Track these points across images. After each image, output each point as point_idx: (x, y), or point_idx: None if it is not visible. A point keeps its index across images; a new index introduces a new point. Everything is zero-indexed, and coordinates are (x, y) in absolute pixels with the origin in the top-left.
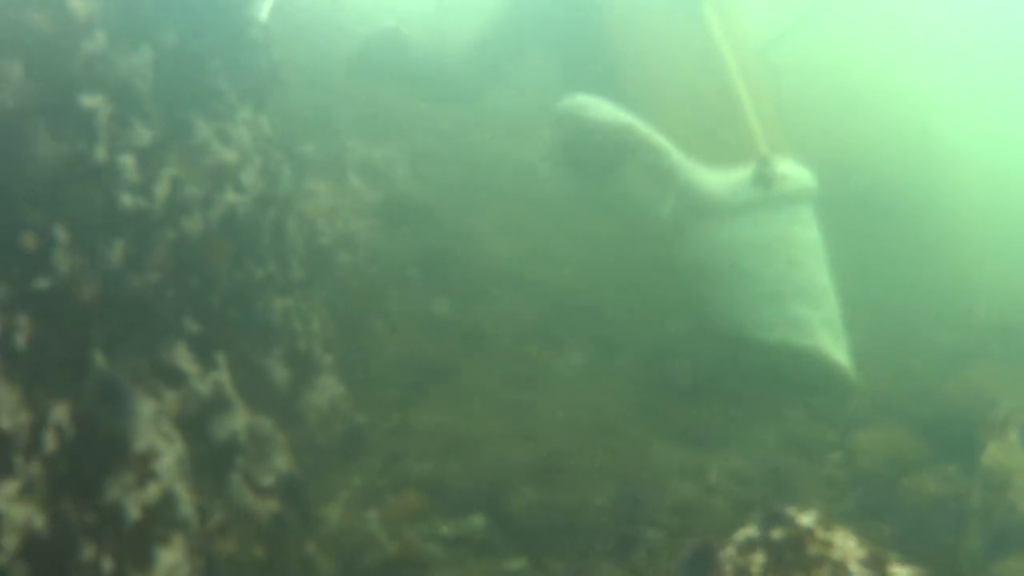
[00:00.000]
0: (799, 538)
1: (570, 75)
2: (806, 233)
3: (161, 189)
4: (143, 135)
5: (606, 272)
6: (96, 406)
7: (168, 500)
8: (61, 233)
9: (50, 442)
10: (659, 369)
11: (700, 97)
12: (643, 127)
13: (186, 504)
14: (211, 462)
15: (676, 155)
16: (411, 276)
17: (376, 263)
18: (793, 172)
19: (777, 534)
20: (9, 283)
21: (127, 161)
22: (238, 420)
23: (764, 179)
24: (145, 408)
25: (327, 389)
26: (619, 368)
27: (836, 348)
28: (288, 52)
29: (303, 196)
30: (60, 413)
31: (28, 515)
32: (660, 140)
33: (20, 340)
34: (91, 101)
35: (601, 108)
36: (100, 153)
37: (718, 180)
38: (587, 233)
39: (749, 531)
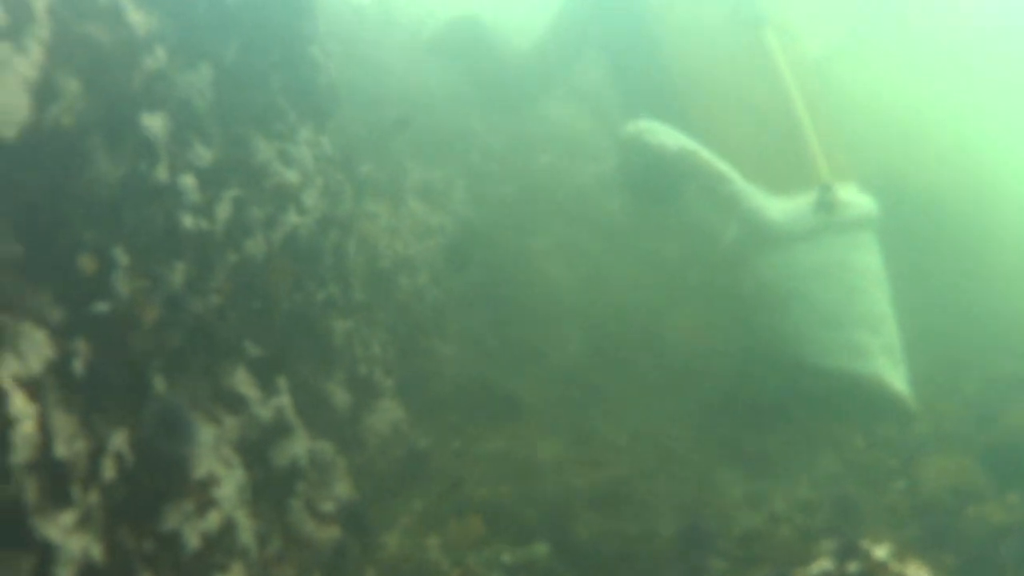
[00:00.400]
0: (874, 571)
1: (626, 85)
2: (867, 259)
3: (223, 210)
4: (203, 155)
5: (665, 296)
6: (156, 433)
7: (228, 528)
8: (121, 255)
9: (108, 470)
10: (720, 395)
11: (761, 121)
12: (706, 153)
13: (246, 532)
14: (271, 488)
15: (739, 182)
16: (470, 299)
17: (436, 286)
18: (855, 199)
19: (852, 567)
20: (66, 307)
21: (188, 181)
22: (299, 445)
23: (825, 206)
24: (205, 434)
25: (388, 413)
26: (680, 393)
27: (895, 375)
28: (341, 69)
29: (363, 217)
30: (119, 440)
31: (85, 545)
32: (723, 167)
33: (78, 366)
34: (151, 120)
35: (665, 133)
36: (161, 173)
37: (780, 207)
38: (646, 256)
39: (824, 564)
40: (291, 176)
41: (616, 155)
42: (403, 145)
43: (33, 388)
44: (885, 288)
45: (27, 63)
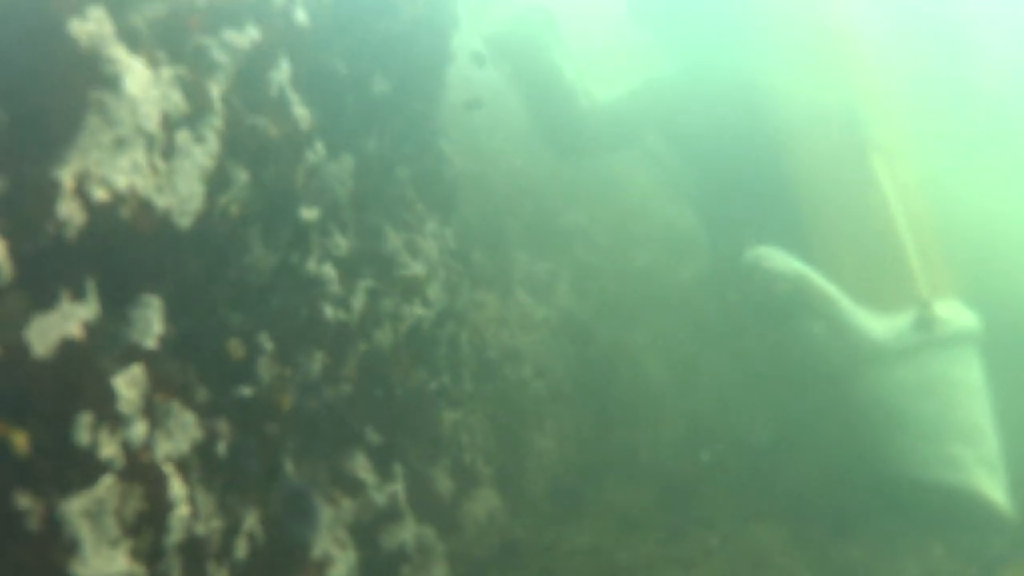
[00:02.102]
0: None
1: (714, 180)
2: (967, 374)
3: (358, 301)
4: (341, 244)
5: (757, 399)
6: (285, 514)
7: None
8: (266, 341)
9: (241, 549)
10: (807, 497)
11: (867, 239)
12: (817, 277)
13: None
14: (378, 571)
15: (846, 302)
16: (569, 391)
17: (539, 378)
18: (955, 315)
19: None
20: (211, 388)
21: (330, 272)
22: (407, 531)
23: (925, 324)
24: (324, 516)
25: (486, 501)
26: (768, 496)
27: (991, 484)
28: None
29: (473, 306)
30: (252, 520)
31: None
32: (832, 289)
33: (220, 448)
34: (309, 213)
35: (780, 259)
36: (311, 265)
37: (882, 326)
38: (741, 356)
39: None
40: (417, 269)
41: (740, 281)
42: (511, 235)
43: (182, 468)
44: (985, 401)
45: (204, 152)
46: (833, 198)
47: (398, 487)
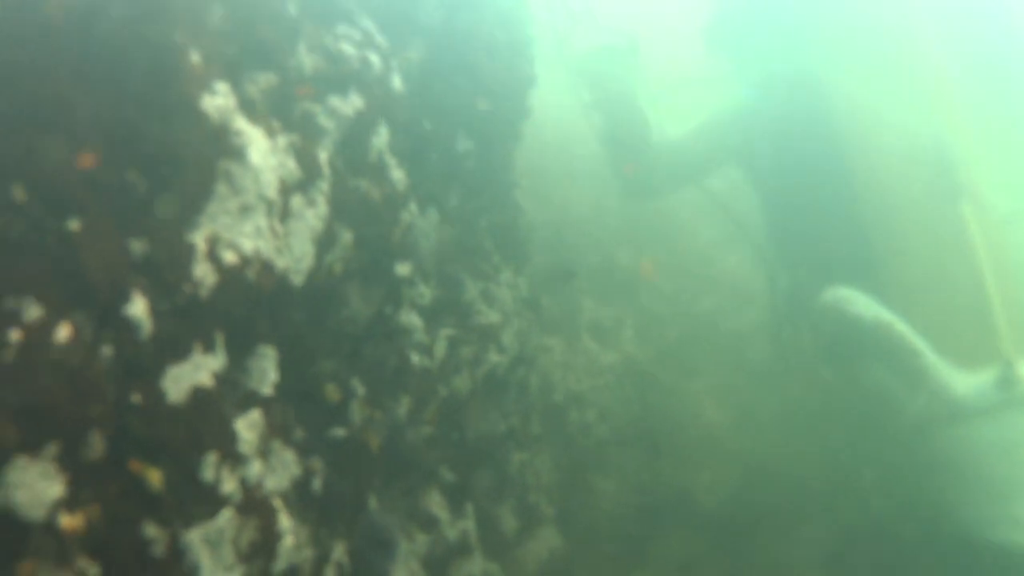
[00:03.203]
0: None
1: (789, 223)
2: None
3: (440, 348)
4: (425, 294)
5: (813, 448)
6: (368, 547)
7: None
8: (359, 386)
9: None
10: (858, 549)
11: (948, 289)
12: (900, 326)
13: None
14: None
15: (929, 356)
16: (631, 435)
17: (602, 422)
18: None
19: None
20: (307, 428)
21: (416, 322)
22: (476, 566)
23: (1007, 384)
24: (402, 549)
25: (548, 541)
26: (815, 544)
27: None
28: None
29: (541, 351)
30: (339, 552)
31: None
32: (915, 340)
33: (316, 484)
34: (403, 269)
35: (863, 304)
36: (403, 317)
37: (964, 382)
38: (799, 404)
39: None
40: (494, 317)
41: (814, 321)
42: (579, 282)
43: (285, 502)
44: None
45: (315, 215)
46: (919, 245)
47: (468, 524)
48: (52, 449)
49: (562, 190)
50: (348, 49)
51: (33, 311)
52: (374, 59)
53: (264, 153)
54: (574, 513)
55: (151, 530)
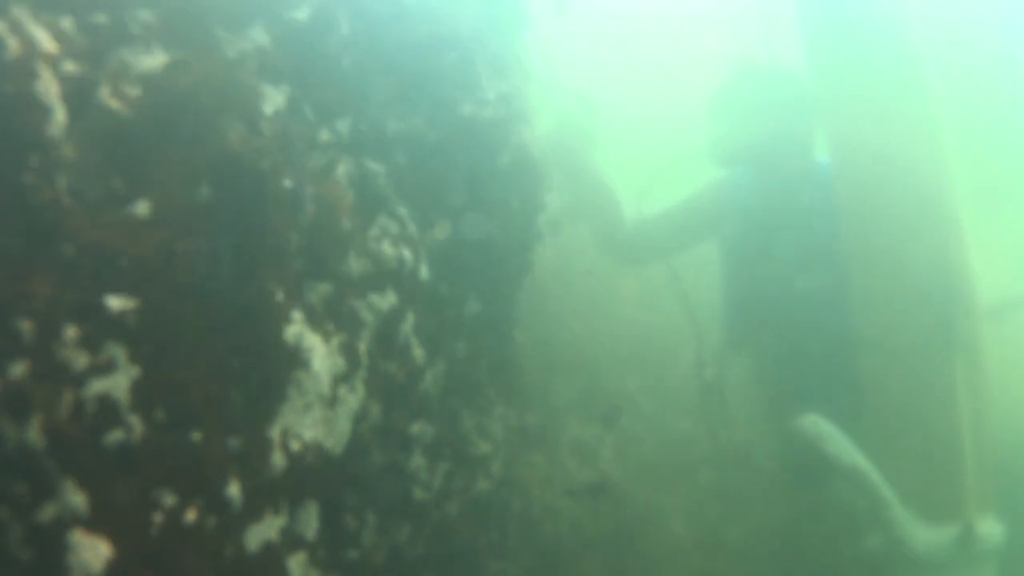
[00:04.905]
0: None
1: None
2: None
3: (436, 481)
4: (428, 432)
5: (780, 569)
6: None
7: None
8: (371, 518)
9: None
10: None
11: (925, 439)
12: (875, 476)
13: None
14: None
15: (896, 507)
16: (601, 547)
17: (574, 535)
18: (990, 531)
19: None
20: (327, 550)
21: (421, 463)
22: None
23: (966, 543)
24: None
25: None
26: None
27: None
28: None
29: (523, 466)
30: None
31: None
32: (886, 491)
33: None
34: (416, 428)
35: (839, 444)
36: (411, 462)
37: (926, 536)
38: (764, 529)
39: None
40: (485, 448)
41: (783, 447)
42: (564, 400)
43: None
44: None
45: (355, 399)
46: (903, 389)
47: None
48: None
49: (558, 307)
50: (387, 249)
51: (170, 500)
52: (407, 255)
53: (323, 358)
54: None
55: None
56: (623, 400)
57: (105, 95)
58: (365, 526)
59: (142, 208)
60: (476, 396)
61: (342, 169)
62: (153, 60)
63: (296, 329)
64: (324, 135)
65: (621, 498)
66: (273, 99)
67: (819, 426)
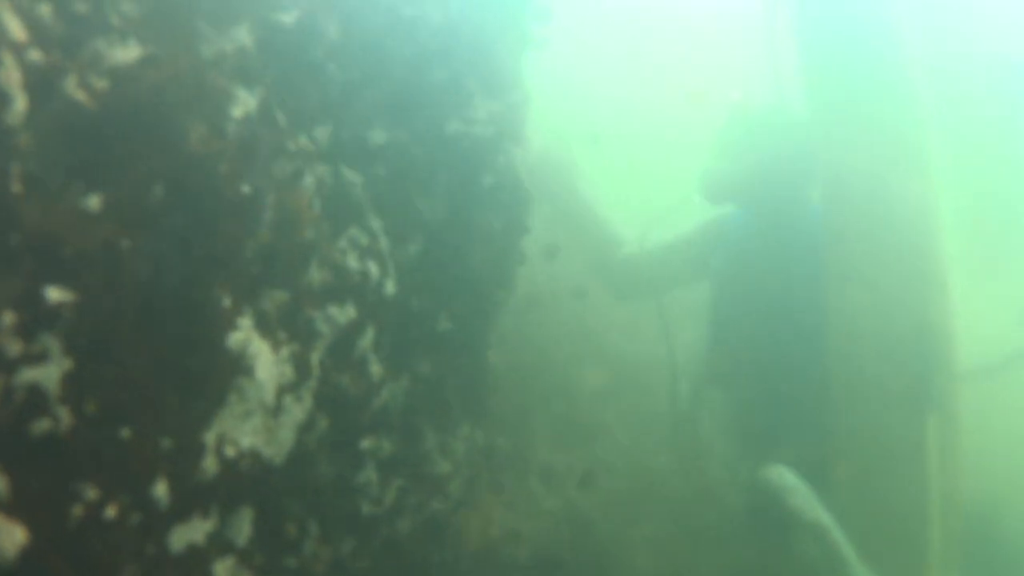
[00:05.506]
0: None
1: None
2: None
3: (389, 497)
4: (385, 447)
5: None
6: None
7: None
8: (314, 528)
9: None
10: None
11: (891, 498)
12: (838, 533)
13: None
14: None
15: (858, 568)
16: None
17: (533, 561)
18: None
19: None
20: (265, 555)
21: (372, 477)
22: None
23: None
24: None
25: None
26: None
27: None
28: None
29: (486, 487)
30: None
31: None
32: (850, 552)
33: None
34: (367, 443)
35: (805, 499)
36: (361, 476)
37: None
38: (729, 570)
39: None
40: (444, 467)
41: (746, 494)
42: (539, 427)
43: None
44: None
45: (300, 409)
46: (874, 444)
47: None
48: None
49: (540, 336)
50: (352, 262)
51: (92, 493)
52: (373, 269)
53: (269, 366)
54: None
55: None
56: (599, 430)
57: (72, 86)
58: (307, 536)
59: (94, 202)
60: (441, 415)
61: (311, 178)
62: (127, 53)
63: (241, 335)
64: (298, 142)
65: (586, 527)
66: (244, 102)
67: (784, 478)
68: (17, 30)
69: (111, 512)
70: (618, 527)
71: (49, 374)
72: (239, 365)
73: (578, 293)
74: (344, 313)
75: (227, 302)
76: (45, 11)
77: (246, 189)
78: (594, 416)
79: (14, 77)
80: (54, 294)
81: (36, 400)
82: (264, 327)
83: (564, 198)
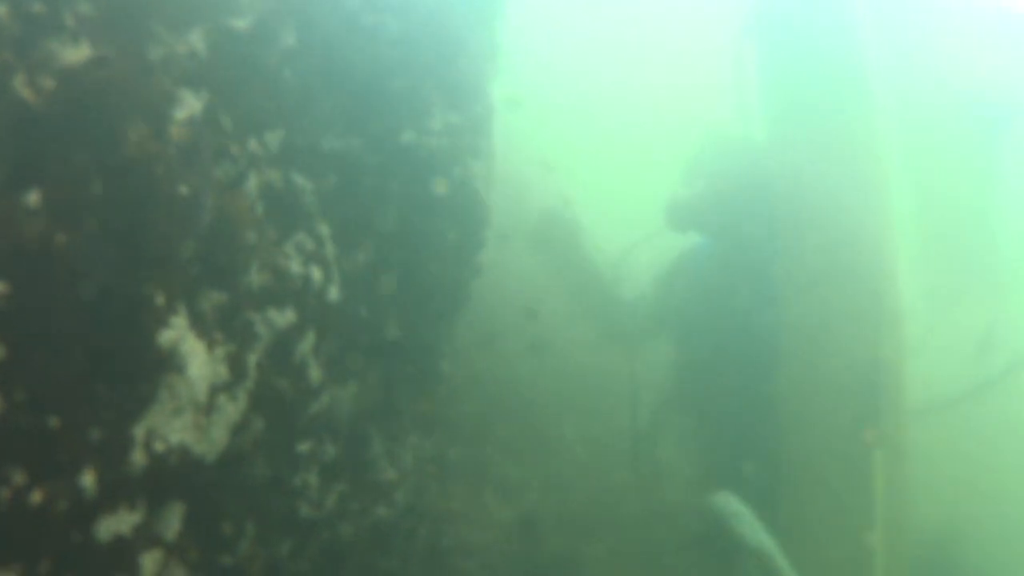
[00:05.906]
0: None
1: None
2: None
3: (330, 501)
4: (329, 452)
5: None
6: None
7: None
8: (250, 528)
9: None
10: None
11: (841, 525)
12: (781, 559)
13: None
14: None
15: None
16: None
17: (483, 571)
18: None
19: None
20: (201, 552)
21: (312, 480)
22: None
23: None
24: None
25: None
26: None
27: None
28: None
29: (439, 497)
30: None
31: None
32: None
33: None
34: (303, 447)
35: (750, 525)
36: (298, 479)
37: None
38: None
39: None
40: (391, 475)
41: (696, 519)
42: (497, 439)
43: None
44: None
45: (235, 409)
46: (823, 471)
47: None
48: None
49: (505, 345)
50: (295, 267)
51: (19, 478)
52: (316, 274)
53: (201, 364)
54: None
55: None
56: (559, 444)
57: (20, 84)
58: (243, 535)
59: (33, 198)
60: (390, 423)
61: (255, 181)
62: (77, 53)
63: (173, 334)
64: (243, 146)
65: (538, 541)
66: (189, 105)
67: (730, 504)
68: None
69: (36, 498)
70: (571, 542)
71: None
72: (170, 362)
73: (539, 313)
74: (284, 316)
75: (160, 300)
76: (1, 11)
77: (184, 190)
78: (554, 430)
79: None
80: None
81: None
82: (199, 327)
83: (567, 255)
